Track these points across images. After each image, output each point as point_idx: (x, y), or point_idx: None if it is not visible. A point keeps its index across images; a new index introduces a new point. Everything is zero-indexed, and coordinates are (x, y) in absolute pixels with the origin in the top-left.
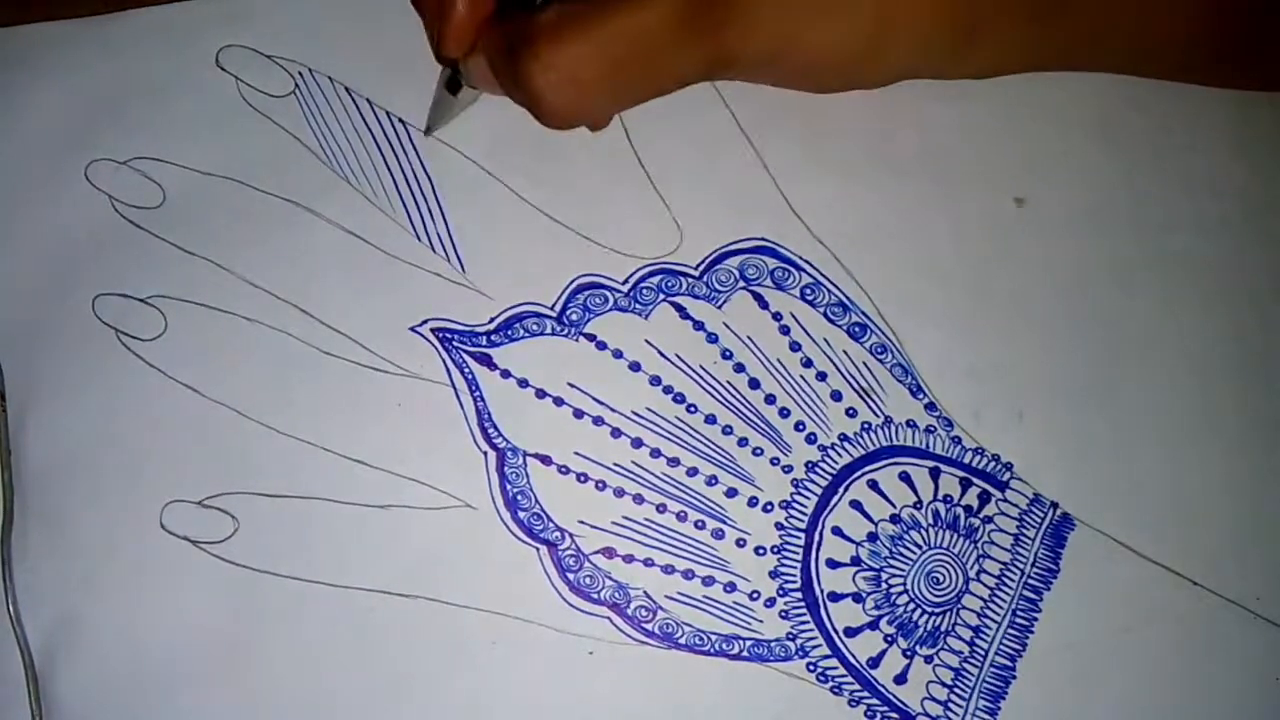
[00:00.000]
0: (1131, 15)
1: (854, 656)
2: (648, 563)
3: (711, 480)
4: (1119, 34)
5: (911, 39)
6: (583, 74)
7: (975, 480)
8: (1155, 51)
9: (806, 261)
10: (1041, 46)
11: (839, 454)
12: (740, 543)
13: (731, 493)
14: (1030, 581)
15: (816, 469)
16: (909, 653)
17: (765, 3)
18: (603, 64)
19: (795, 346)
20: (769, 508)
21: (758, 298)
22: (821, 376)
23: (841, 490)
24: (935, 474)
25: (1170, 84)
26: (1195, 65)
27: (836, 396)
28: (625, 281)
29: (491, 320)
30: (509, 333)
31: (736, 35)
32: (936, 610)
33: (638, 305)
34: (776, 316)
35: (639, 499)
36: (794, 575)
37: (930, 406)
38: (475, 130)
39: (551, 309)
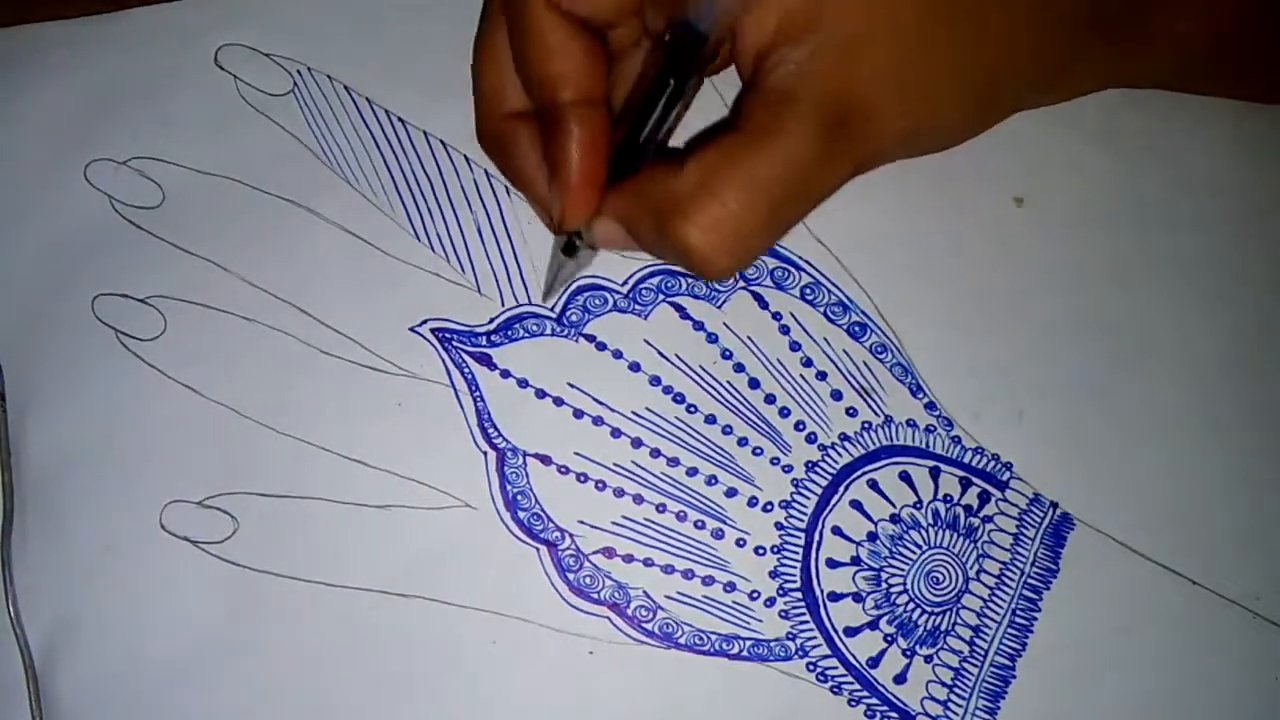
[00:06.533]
0: (1195, 34)
1: (854, 656)
2: (647, 563)
3: (711, 480)
4: (1179, 52)
5: (1015, 95)
6: (743, 226)
7: (975, 480)
8: (1201, 66)
9: (806, 261)
10: (1113, 71)
11: (839, 454)
12: (740, 542)
13: (731, 492)
14: (1030, 581)
15: (816, 469)
16: (909, 652)
17: (892, 109)
18: (760, 210)
19: (795, 346)
20: (769, 507)
21: (757, 297)
22: (821, 376)
23: (841, 490)
24: (935, 473)
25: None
26: (1222, 77)
27: (836, 396)
28: (625, 282)
29: (491, 320)
30: (509, 333)
31: (874, 141)
32: (936, 610)
33: (637, 305)
34: (776, 316)
35: (639, 499)
36: (794, 575)
37: (930, 406)
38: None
39: (551, 309)
